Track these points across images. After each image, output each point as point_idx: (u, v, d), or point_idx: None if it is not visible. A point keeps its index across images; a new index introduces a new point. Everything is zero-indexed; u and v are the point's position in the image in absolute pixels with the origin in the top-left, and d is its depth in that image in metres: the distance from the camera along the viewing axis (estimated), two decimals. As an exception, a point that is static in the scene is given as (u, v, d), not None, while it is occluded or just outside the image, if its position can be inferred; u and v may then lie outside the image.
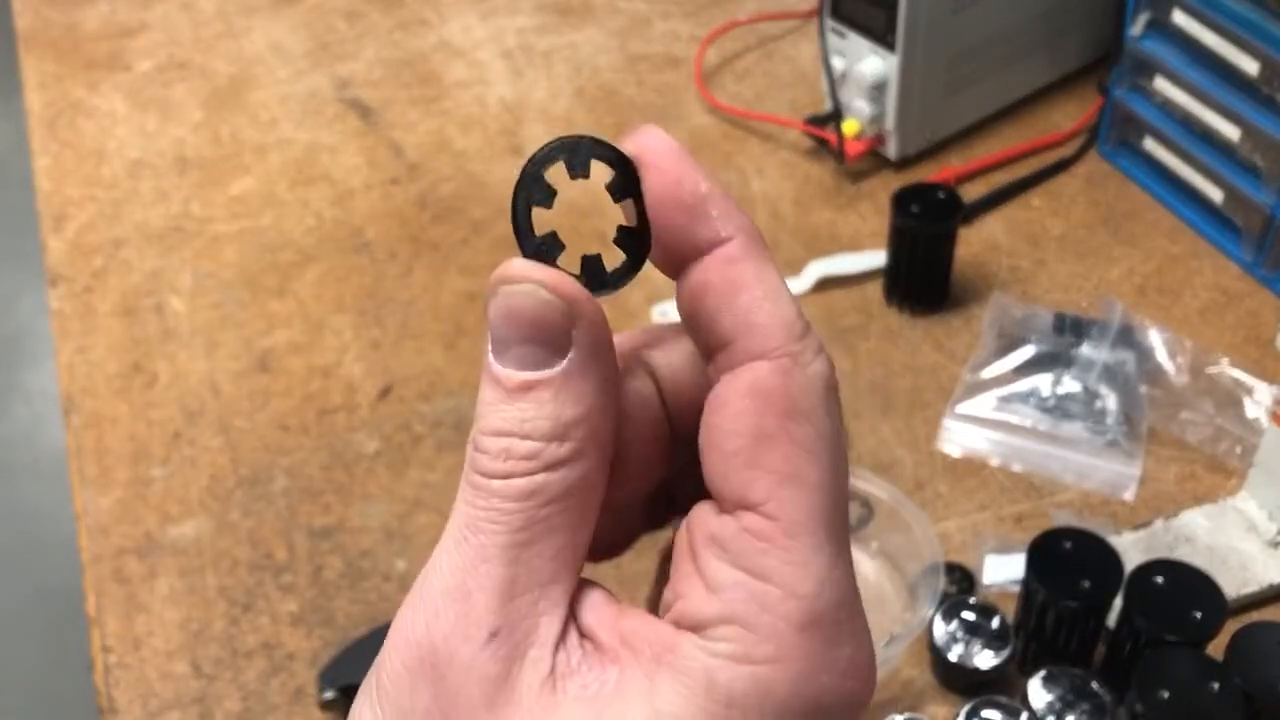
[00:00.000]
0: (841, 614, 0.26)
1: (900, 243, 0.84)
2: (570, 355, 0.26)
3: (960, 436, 0.78)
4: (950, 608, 0.65)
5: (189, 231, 0.98)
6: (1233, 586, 0.67)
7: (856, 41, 0.93)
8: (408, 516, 0.76)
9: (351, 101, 1.10)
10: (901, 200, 0.83)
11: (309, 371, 0.86)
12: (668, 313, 0.86)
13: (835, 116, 0.97)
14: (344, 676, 0.66)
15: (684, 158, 0.27)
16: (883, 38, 0.91)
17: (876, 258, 0.88)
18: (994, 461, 0.77)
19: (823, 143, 0.99)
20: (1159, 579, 0.61)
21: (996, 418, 0.78)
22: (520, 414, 0.26)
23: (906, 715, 0.63)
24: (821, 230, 0.94)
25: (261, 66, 1.15)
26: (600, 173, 0.28)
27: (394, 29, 1.19)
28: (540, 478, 0.26)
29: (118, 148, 1.07)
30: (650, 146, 0.27)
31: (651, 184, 0.27)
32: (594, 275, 0.28)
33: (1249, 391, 0.78)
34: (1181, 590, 0.61)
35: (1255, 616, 0.68)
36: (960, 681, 0.65)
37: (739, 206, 0.27)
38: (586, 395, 0.27)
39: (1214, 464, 0.76)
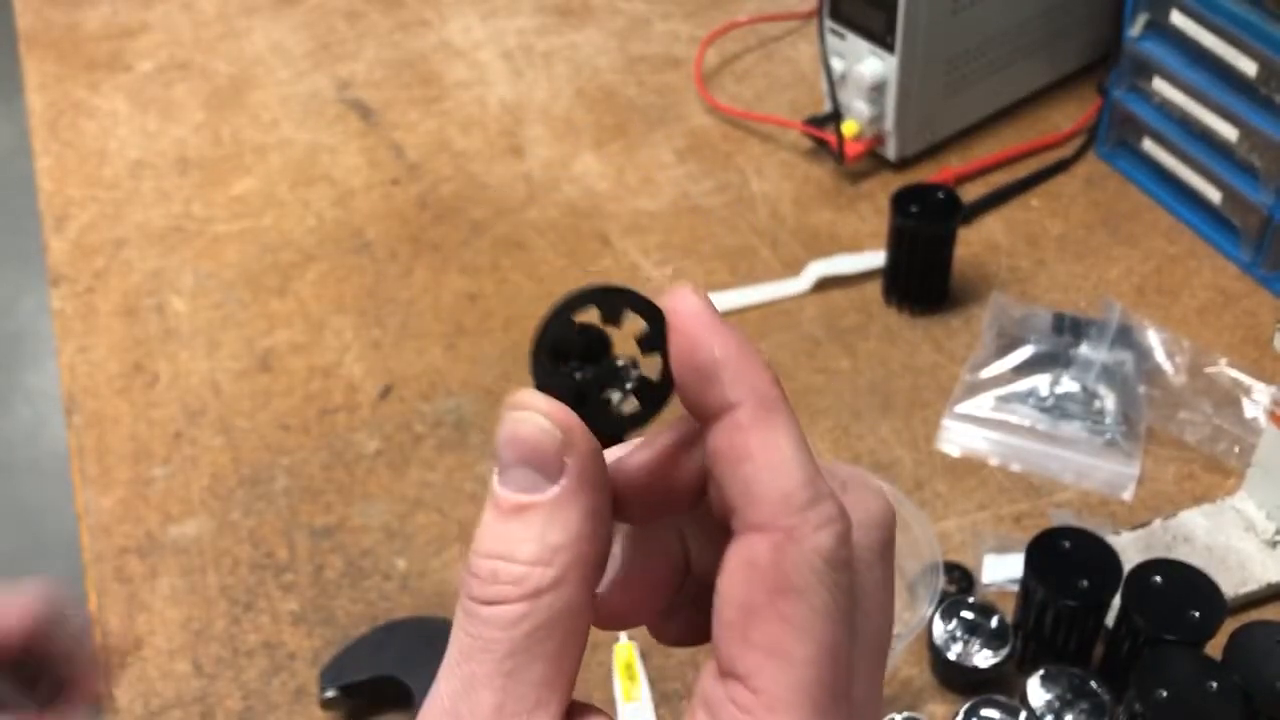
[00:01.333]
0: None
1: (900, 243, 0.85)
2: (562, 482, 0.27)
3: (959, 436, 0.78)
4: (949, 607, 0.65)
5: (190, 232, 0.98)
6: (1231, 586, 0.67)
7: (856, 43, 0.94)
8: (408, 516, 0.76)
9: (352, 102, 1.11)
10: (901, 201, 0.83)
11: (310, 371, 0.86)
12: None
13: (835, 117, 0.97)
14: (345, 675, 0.66)
15: (706, 321, 0.27)
16: (882, 39, 0.91)
17: (876, 258, 0.88)
18: (993, 461, 0.77)
19: (822, 143, 0.99)
20: (1157, 578, 0.62)
21: (995, 417, 0.78)
22: (510, 534, 0.27)
23: (906, 714, 0.63)
24: (821, 230, 0.94)
25: (262, 67, 1.15)
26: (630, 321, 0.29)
27: (394, 30, 1.19)
28: (525, 605, 0.27)
29: (119, 148, 1.07)
30: (675, 308, 0.28)
31: (671, 345, 0.28)
32: (602, 417, 0.29)
33: (1247, 391, 0.78)
34: (1180, 589, 0.61)
35: (1254, 615, 0.68)
36: (959, 680, 0.65)
37: (760, 366, 0.27)
38: (573, 522, 0.27)
39: (1212, 464, 0.76)
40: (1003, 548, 0.71)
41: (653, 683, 0.67)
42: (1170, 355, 0.80)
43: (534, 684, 0.27)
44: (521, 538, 0.27)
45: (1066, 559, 0.63)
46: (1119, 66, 0.93)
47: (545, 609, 0.27)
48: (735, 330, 0.27)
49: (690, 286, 0.28)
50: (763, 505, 0.26)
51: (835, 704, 0.26)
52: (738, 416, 0.27)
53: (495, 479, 0.28)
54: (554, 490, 0.27)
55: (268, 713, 0.67)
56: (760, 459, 0.26)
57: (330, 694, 0.66)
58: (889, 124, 0.96)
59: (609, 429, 0.29)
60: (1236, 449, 0.76)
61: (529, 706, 0.27)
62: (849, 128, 0.96)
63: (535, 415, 0.27)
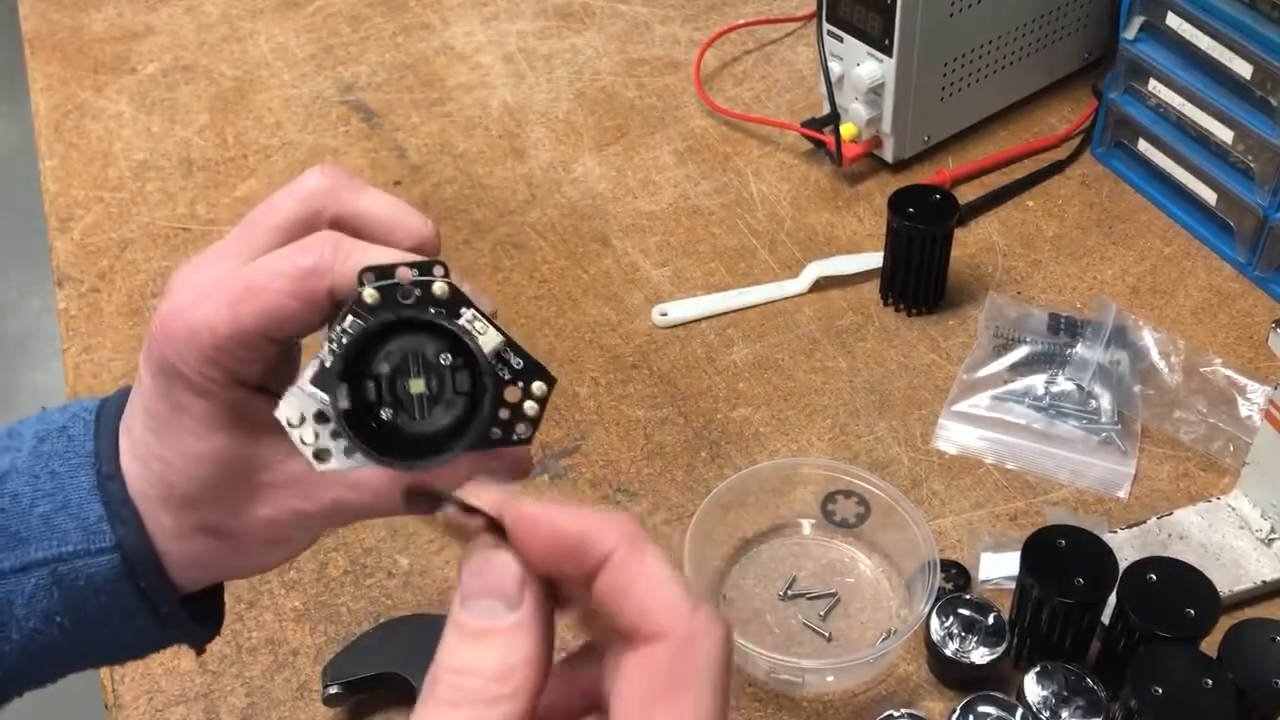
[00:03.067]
0: None
1: (897, 244, 0.85)
2: (521, 611, 0.32)
3: (956, 435, 0.79)
4: (946, 604, 0.66)
5: (194, 233, 0.99)
6: (1226, 583, 0.68)
7: (854, 45, 0.94)
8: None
9: (355, 104, 1.11)
10: (898, 202, 0.84)
11: (313, 371, 0.86)
12: (668, 313, 0.86)
13: (833, 119, 0.97)
14: (347, 672, 0.67)
15: (550, 514, 0.32)
16: (879, 42, 0.92)
17: (873, 259, 0.89)
18: (989, 460, 0.78)
19: (820, 145, 0.99)
20: (1153, 576, 0.62)
21: (991, 416, 0.79)
22: (474, 654, 0.32)
23: (903, 710, 0.63)
24: (819, 231, 0.95)
25: (266, 70, 1.16)
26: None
27: (397, 33, 1.20)
28: (483, 709, 0.31)
29: (124, 149, 1.08)
30: (520, 514, 0.33)
31: (532, 546, 0.32)
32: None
33: (1242, 390, 0.79)
34: (1175, 587, 0.62)
35: (1248, 613, 0.69)
36: (956, 677, 0.66)
37: (614, 519, 0.32)
38: (528, 646, 0.32)
39: (1207, 462, 0.77)
40: (999, 546, 0.72)
41: None
42: (1165, 355, 0.81)
43: None
44: (485, 657, 0.32)
45: (1062, 557, 0.63)
46: (1114, 69, 0.93)
47: (499, 716, 0.31)
48: (575, 509, 0.33)
49: (526, 501, 0.33)
50: (655, 616, 0.31)
51: None
52: (614, 559, 0.32)
53: (459, 605, 0.32)
54: (513, 617, 0.32)
55: (271, 709, 0.67)
56: (643, 582, 0.32)
57: (333, 690, 0.66)
58: (886, 126, 0.96)
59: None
60: (1231, 448, 0.76)
61: None
62: (847, 130, 0.97)
63: (504, 554, 0.32)
